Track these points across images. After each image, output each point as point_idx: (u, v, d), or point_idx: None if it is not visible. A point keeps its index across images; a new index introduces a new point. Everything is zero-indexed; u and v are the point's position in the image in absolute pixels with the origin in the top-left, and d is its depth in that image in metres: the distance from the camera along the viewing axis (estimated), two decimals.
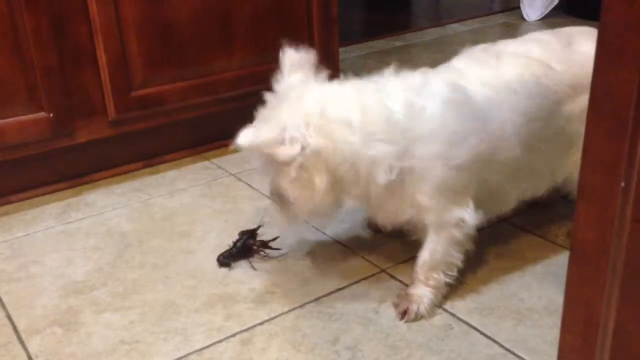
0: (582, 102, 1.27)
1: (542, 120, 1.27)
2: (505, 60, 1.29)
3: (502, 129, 1.23)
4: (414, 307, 1.24)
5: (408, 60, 2.86)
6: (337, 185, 1.19)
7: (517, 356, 1.14)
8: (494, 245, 1.47)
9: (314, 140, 1.14)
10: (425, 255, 1.26)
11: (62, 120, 1.70)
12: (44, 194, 1.79)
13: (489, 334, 1.20)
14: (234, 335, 1.22)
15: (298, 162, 1.15)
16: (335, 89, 1.23)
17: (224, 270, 1.42)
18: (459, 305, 1.27)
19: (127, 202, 1.74)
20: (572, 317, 0.63)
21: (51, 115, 1.68)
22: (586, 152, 0.56)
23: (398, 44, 3.11)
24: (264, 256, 1.44)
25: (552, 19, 3.40)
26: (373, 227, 1.52)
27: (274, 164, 1.18)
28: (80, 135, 1.76)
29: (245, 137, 1.14)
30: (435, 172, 1.18)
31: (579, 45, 1.34)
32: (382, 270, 1.40)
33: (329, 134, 1.15)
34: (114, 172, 1.89)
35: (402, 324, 1.23)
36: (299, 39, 2.04)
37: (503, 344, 1.17)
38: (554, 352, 1.13)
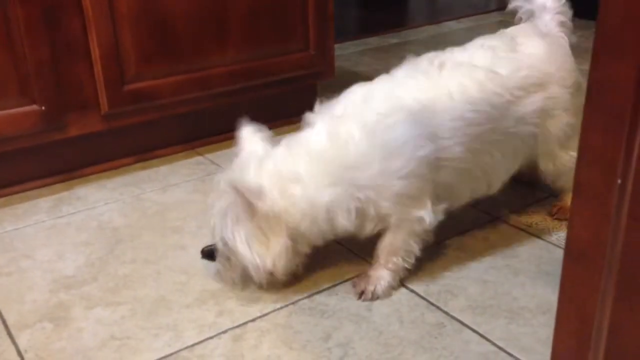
0: (533, 102, 1.35)
1: (484, 124, 1.30)
2: (448, 69, 1.32)
3: (440, 135, 1.26)
4: (370, 288, 1.30)
5: (404, 57, 2.85)
6: (299, 243, 1.26)
7: (510, 354, 1.14)
8: (487, 244, 1.47)
9: (277, 201, 1.20)
10: (385, 241, 1.31)
11: (54, 114, 1.69)
12: (35, 188, 1.77)
13: (481, 332, 1.19)
14: (225, 331, 1.22)
15: (263, 217, 1.20)
16: (283, 149, 1.28)
17: (216, 266, 1.41)
18: (452, 304, 1.27)
19: (119, 196, 1.73)
20: (566, 315, 0.62)
21: (43, 108, 1.66)
22: (582, 148, 0.55)
23: (394, 41, 3.10)
24: None
25: None
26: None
27: (236, 215, 1.21)
28: (72, 129, 1.74)
29: (233, 176, 1.20)
30: (387, 188, 1.22)
31: (524, 47, 1.38)
32: None
33: (286, 193, 1.21)
34: (106, 167, 1.88)
35: (395, 321, 1.22)
36: (294, 35, 2.05)
37: (495, 342, 1.17)
38: (546, 351, 1.13)
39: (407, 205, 1.26)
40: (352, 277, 1.36)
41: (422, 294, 1.30)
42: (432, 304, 1.27)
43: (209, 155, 1.95)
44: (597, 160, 0.54)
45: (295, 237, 1.24)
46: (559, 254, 1.42)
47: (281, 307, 1.28)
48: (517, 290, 1.31)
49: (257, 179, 1.22)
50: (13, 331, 1.23)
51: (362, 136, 1.21)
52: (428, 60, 1.36)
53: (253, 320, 1.24)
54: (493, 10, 3.63)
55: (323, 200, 1.21)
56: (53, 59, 1.65)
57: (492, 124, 1.31)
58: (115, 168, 1.89)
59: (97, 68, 1.72)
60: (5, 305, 1.31)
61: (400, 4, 4.02)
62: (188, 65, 1.86)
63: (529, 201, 1.64)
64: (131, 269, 1.41)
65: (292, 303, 1.29)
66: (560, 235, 1.49)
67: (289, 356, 1.15)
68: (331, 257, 1.43)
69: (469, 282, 1.33)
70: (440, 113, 1.26)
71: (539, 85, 1.36)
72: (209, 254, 1.44)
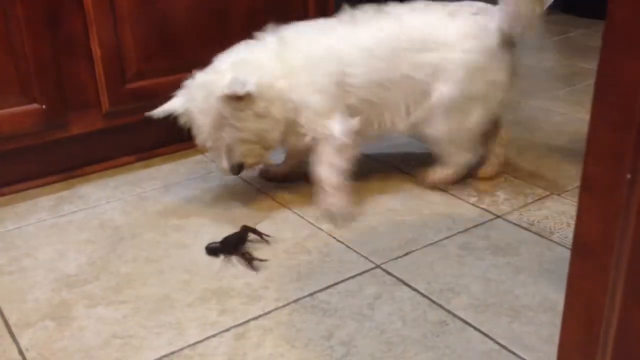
0: (428, 56, 1.54)
1: (385, 61, 1.54)
2: (373, 15, 1.59)
3: (346, 61, 1.53)
4: (331, 213, 1.55)
5: None
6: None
7: (512, 353, 1.13)
8: (488, 241, 1.47)
9: (255, 80, 1.44)
10: (320, 171, 1.55)
11: (55, 113, 1.68)
12: (36, 187, 1.77)
13: (484, 330, 1.19)
14: (228, 330, 1.21)
15: (254, 98, 1.45)
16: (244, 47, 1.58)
17: (219, 264, 1.41)
18: (454, 302, 1.27)
19: (120, 195, 1.73)
20: (573, 313, 0.62)
21: (44, 107, 1.66)
22: (590, 143, 0.55)
23: None
24: (249, 259, 1.41)
25: (548, 16, 3.40)
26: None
27: (230, 112, 1.45)
28: (73, 127, 1.74)
29: (233, 83, 1.42)
30: (304, 101, 1.50)
31: (445, 13, 1.57)
32: (377, 266, 1.39)
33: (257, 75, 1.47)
34: (107, 165, 1.87)
35: (397, 320, 1.22)
36: None
37: (498, 340, 1.16)
38: (549, 349, 1.13)
39: (319, 121, 1.52)
40: (354, 276, 1.36)
41: (424, 292, 1.30)
42: (434, 302, 1.27)
43: (210, 154, 1.95)
44: (605, 155, 0.53)
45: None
46: (562, 252, 1.42)
47: (283, 306, 1.27)
48: (520, 288, 1.31)
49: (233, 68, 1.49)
50: (15, 330, 1.23)
51: (294, 53, 1.53)
52: (365, 10, 1.61)
53: (255, 318, 1.24)
54: None
55: (278, 86, 1.50)
56: (54, 57, 1.65)
57: (391, 62, 1.53)
58: (117, 166, 1.88)
59: (98, 67, 1.72)
60: (7, 304, 1.30)
61: (398, 1, 4.01)
62: (189, 64, 1.85)
63: (530, 200, 1.64)
64: (133, 268, 1.41)
65: (294, 301, 1.29)
66: (562, 234, 1.49)
67: (291, 354, 1.14)
68: (333, 255, 1.43)
69: (471, 280, 1.33)
70: (351, 44, 1.54)
71: (440, 45, 1.54)
72: (213, 250, 1.44)
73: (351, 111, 1.55)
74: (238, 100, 1.44)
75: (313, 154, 1.57)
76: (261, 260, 1.41)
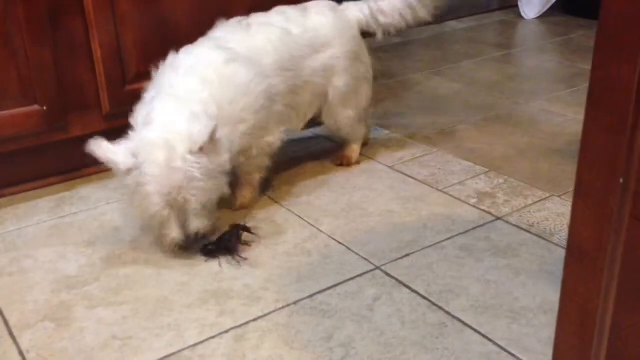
0: (319, 59, 1.69)
1: (291, 70, 1.63)
2: (255, 28, 1.63)
3: (268, 74, 1.58)
4: (242, 201, 1.66)
5: (405, 57, 2.85)
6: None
7: (512, 355, 1.13)
8: (488, 243, 1.47)
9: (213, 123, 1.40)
10: (245, 167, 1.63)
11: (55, 114, 1.69)
12: (36, 188, 1.77)
13: (483, 332, 1.19)
14: (227, 331, 1.22)
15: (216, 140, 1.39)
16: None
17: (217, 266, 1.41)
18: (454, 304, 1.27)
19: (120, 197, 1.73)
20: (568, 315, 0.62)
21: (45, 108, 1.66)
22: (584, 148, 0.55)
23: (395, 40, 3.10)
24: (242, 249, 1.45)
25: (550, 17, 3.40)
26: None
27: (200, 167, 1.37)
28: (74, 129, 1.74)
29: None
30: (246, 122, 1.52)
31: (312, 15, 1.72)
32: (377, 268, 1.39)
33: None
34: (108, 167, 1.87)
35: (396, 321, 1.22)
36: None
37: (497, 342, 1.16)
38: (548, 351, 1.13)
39: (262, 136, 1.59)
40: (354, 277, 1.36)
41: (423, 294, 1.30)
42: (433, 304, 1.27)
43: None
44: (599, 159, 0.53)
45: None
46: (561, 253, 1.42)
47: (282, 307, 1.28)
48: (519, 290, 1.31)
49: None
50: (15, 331, 1.23)
51: (213, 86, 1.48)
52: (235, 22, 1.66)
53: (254, 320, 1.24)
54: (495, 10, 3.62)
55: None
56: (55, 59, 1.65)
57: (296, 71, 1.64)
58: None
59: (99, 68, 1.72)
60: (7, 305, 1.31)
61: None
62: None
63: (530, 202, 1.64)
64: (133, 269, 1.41)
65: (294, 303, 1.29)
66: (562, 235, 1.49)
67: (291, 356, 1.15)
68: (333, 257, 1.43)
69: (470, 282, 1.33)
70: (263, 57, 1.58)
71: (323, 46, 1.70)
72: (209, 251, 1.44)
73: (275, 119, 1.63)
74: (203, 151, 1.35)
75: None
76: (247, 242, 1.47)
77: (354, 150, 1.89)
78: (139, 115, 1.46)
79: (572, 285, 0.60)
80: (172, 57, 1.56)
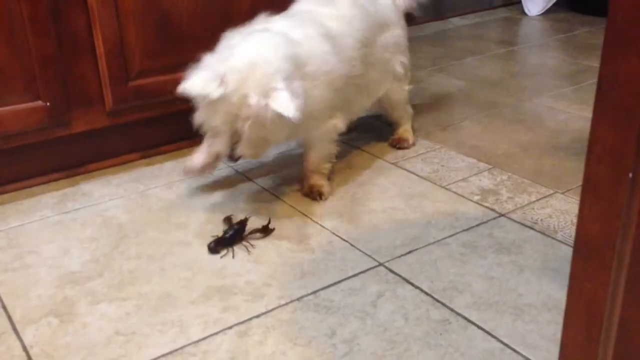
0: (387, 36, 1.77)
1: (369, 46, 1.69)
2: (339, 2, 1.67)
3: (350, 53, 1.61)
4: (316, 191, 1.66)
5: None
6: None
7: (515, 351, 1.13)
8: (491, 240, 1.46)
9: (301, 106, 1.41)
10: (313, 154, 1.67)
11: (59, 110, 1.69)
12: (40, 184, 1.77)
13: (487, 329, 1.19)
14: (230, 327, 1.22)
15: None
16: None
17: (221, 262, 1.41)
18: (457, 300, 1.27)
19: (123, 192, 1.73)
20: (575, 312, 0.62)
21: (48, 104, 1.66)
22: (592, 143, 0.54)
23: None
24: (254, 239, 1.47)
25: (554, 14, 3.39)
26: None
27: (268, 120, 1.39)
28: (77, 125, 1.74)
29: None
30: (316, 98, 1.51)
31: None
32: (380, 264, 1.39)
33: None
34: (110, 163, 1.87)
35: (400, 318, 1.22)
36: None
37: (501, 339, 1.16)
38: (552, 348, 1.13)
39: (330, 117, 1.61)
40: (357, 274, 1.36)
41: (427, 290, 1.30)
42: (437, 300, 1.27)
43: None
44: (606, 155, 0.53)
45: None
46: (565, 250, 1.41)
47: (286, 303, 1.27)
48: (523, 286, 1.30)
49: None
50: (18, 327, 1.23)
51: (312, 50, 1.53)
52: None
53: (258, 316, 1.24)
54: (498, 7, 3.62)
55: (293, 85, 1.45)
56: (58, 55, 1.65)
57: (371, 47, 1.69)
58: (120, 164, 1.88)
59: (102, 64, 1.72)
60: (11, 301, 1.31)
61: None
62: (192, 61, 1.85)
63: (533, 198, 1.64)
64: (136, 265, 1.41)
65: (297, 299, 1.29)
66: (565, 232, 1.49)
67: (294, 352, 1.14)
68: (336, 253, 1.43)
69: (474, 278, 1.33)
70: (345, 38, 1.61)
71: (389, 25, 1.78)
72: (215, 248, 1.44)
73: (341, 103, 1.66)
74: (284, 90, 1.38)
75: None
76: (267, 231, 1.50)
77: (408, 130, 1.96)
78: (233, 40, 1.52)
79: (580, 282, 0.60)
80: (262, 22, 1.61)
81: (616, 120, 0.52)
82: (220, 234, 1.47)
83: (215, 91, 1.37)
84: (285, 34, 1.51)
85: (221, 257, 1.43)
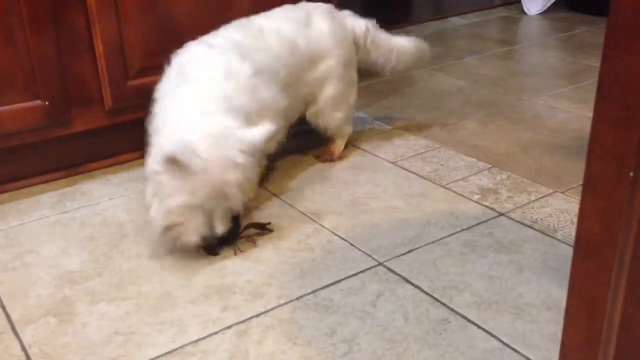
0: (317, 71, 1.75)
1: (292, 85, 1.67)
2: (267, 35, 1.66)
3: (280, 76, 1.62)
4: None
5: None
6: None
7: (515, 351, 1.13)
8: (492, 239, 1.46)
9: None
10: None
11: (58, 109, 1.68)
12: (39, 184, 1.77)
13: (487, 328, 1.19)
14: (230, 327, 1.21)
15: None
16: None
17: (221, 262, 1.41)
18: (457, 300, 1.26)
19: (123, 192, 1.73)
20: (576, 312, 0.62)
21: (47, 104, 1.66)
22: (593, 142, 0.54)
23: None
24: (253, 237, 1.48)
25: (553, 13, 3.39)
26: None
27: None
28: (76, 124, 1.74)
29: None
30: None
31: (316, 24, 1.75)
32: (380, 264, 1.39)
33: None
34: (110, 162, 1.87)
35: (399, 318, 1.22)
36: None
37: (501, 338, 1.16)
38: (552, 347, 1.13)
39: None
40: (357, 273, 1.36)
41: (427, 290, 1.30)
42: (437, 300, 1.27)
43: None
44: (608, 153, 0.53)
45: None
46: (565, 250, 1.41)
47: (285, 303, 1.27)
48: (523, 286, 1.30)
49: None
50: (18, 326, 1.23)
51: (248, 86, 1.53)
52: (249, 25, 1.69)
53: (257, 316, 1.24)
54: (498, 6, 3.62)
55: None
56: (57, 54, 1.65)
57: (296, 85, 1.70)
58: (120, 164, 1.88)
59: (102, 64, 1.72)
60: (10, 300, 1.31)
61: (404, 0, 4.01)
62: None
63: (533, 198, 1.63)
64: (136, 265, 1.41)
65: (297, 299, 1.28)
66: (565, 232, 1.48)
67: (294, 352, 1.14)
68: (336, 253, 1.43)
69: (474, 278, 1.33)
70: (280, 71, 1.63)
71: (322, 57, 1.75)
72: (211, 248, 1.44)
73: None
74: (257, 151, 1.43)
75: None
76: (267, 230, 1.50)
77: (339, 145, 1.91)
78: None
79: (580, 281, 0.60)
80: (186, 57, 1.59)
81: (617, 118, 0.52)
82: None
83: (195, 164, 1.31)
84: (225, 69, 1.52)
85: (216, 254, 1.43)
